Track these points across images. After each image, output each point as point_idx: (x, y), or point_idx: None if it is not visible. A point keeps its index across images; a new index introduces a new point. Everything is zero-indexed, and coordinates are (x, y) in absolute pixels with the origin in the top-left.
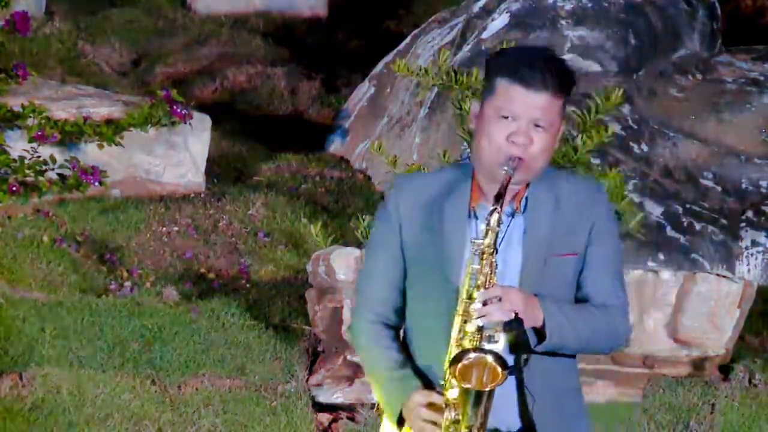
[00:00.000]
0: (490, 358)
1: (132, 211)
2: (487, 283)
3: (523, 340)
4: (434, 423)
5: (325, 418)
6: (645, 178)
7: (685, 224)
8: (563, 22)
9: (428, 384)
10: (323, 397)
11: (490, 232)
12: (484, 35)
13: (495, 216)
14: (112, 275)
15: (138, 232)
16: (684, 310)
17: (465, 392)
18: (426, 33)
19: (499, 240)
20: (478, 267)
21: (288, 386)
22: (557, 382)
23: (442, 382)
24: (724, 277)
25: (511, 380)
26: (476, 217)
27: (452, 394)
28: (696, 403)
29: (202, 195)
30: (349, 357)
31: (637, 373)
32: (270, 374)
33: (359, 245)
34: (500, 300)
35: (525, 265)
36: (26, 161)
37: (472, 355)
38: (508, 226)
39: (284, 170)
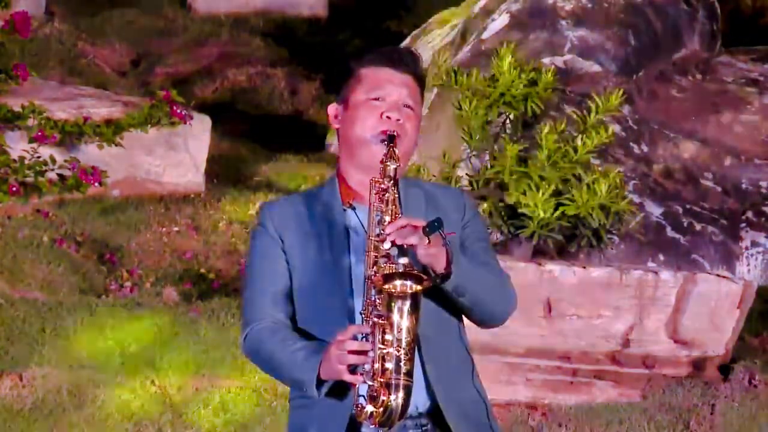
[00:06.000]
0: (409, 273)
1: (132, 211)
2: (393, 216)
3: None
4: (364, 352)
5: None
6: (645, 178)
7: (685, 225)
8: (563, 22)
9: None
10: None
11: (388, 166)
12: (484, 35)
13: (390, 150)
14: (112, 275)
15: (138, 232)
16: (684, 310)
17: (390, 304)
18: (426, 33)
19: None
20: (381, 205)
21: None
22: (451, 355)
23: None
24: (724, 277)
25: (417, 362)
26: (353, 209)
27: (376, 316)
28: (696, 403)
29: (202, 195)
30: None
31: (637, 373)
32: None
33: None
34: (409, 227)
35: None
36: (26, 161)
37: (395, 279)
38: None
39: (284, 170)
